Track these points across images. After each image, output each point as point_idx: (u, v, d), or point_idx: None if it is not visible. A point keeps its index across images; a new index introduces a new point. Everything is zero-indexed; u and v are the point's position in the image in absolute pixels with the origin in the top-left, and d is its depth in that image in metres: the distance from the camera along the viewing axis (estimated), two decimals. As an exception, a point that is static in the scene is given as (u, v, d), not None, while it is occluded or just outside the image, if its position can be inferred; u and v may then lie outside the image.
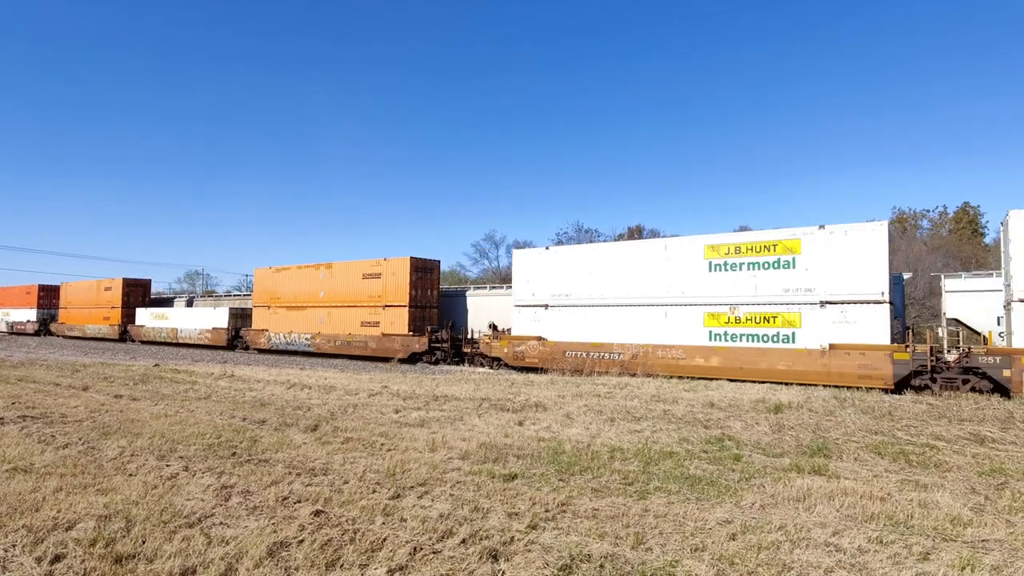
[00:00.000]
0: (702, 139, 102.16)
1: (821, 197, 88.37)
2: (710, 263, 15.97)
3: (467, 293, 25.29)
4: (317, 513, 4.83)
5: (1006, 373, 12.58)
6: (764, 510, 5.13)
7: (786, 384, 14.09)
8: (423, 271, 23.41)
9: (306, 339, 25.75)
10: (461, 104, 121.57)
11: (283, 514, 4.84)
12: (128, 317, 36.81)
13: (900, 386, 13.54)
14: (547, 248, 19.25)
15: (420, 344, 22.24)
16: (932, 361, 13.29)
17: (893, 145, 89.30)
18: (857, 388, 13.46)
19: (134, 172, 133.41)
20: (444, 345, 22.24)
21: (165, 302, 40.57)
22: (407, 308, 22.64)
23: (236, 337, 29.58)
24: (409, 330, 22.62)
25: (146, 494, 5.33)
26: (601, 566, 3.88)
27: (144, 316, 35.33)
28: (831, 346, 14.12)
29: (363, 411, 10.34)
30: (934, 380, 13.43)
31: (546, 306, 18.75)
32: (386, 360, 22.54)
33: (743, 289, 15.41)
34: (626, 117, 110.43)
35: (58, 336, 42.53)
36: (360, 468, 6.36)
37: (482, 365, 20.91)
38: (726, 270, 15.71)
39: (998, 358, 12.70)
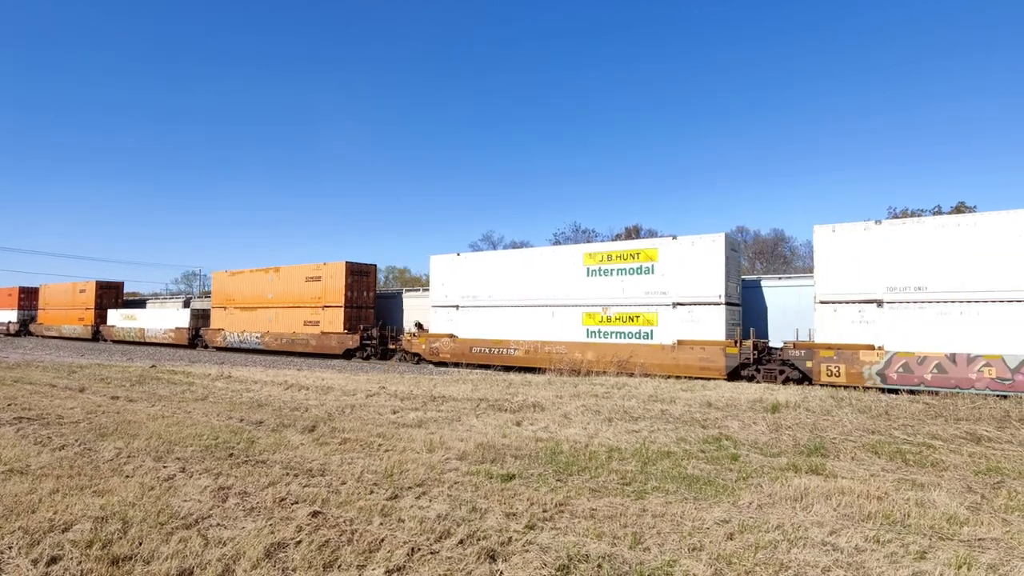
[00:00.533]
0: (700, 139, 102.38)
1: (818, 197, 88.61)
2: (588, 269, 18.19)
3: (403, 294, 27.18)
4: (315, 514, 4.83)
5: (809, 364, 14.64)
6: (761, 509, 5.14)
7: (646, 376, 16.26)
8: (359, 274, 25.38)
9: (256, 337, 27.85)
10: (460, 104, 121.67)
11: (280, 515, 4.84)
12: (101, 318, 38.65)
13: (732, 376, 15.66)
14: (459, 255, 21.20)
15: (353, 341, 24.22)
16: (755, 355, 15.47)
17: (889, 144, 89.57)
18: (700, 378, 15.70)
19: (134, 173, 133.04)
20: (373, 342, 24.28)
21: (137, 303, 42.49)
22: (343, 308, 24.62)
23: (196, 336, 31.47)
24: (344, 328, 24.49)
25: (143, 495, 5.32)
26: (599, 566, 3.88)
27: (115, 317, 37.25)
28: (679, 342, 16.35)
29: (361, 412, 10.33)
30: (758, 370, 15.51)
31: (457, 307, 20.85)
32: (325, 356, 25.04)
33: (613, 292, 17.65)
34: (624, 117, 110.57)
35: (37, 336, 43.92)
36: (358, 469, 6.36)
37: (405, 360, 22.89)
38: (600, 275, 17.92)
39: (803, 351, 14.79)
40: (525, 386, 13.97)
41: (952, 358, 12.91)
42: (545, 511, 5.01)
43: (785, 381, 14.96)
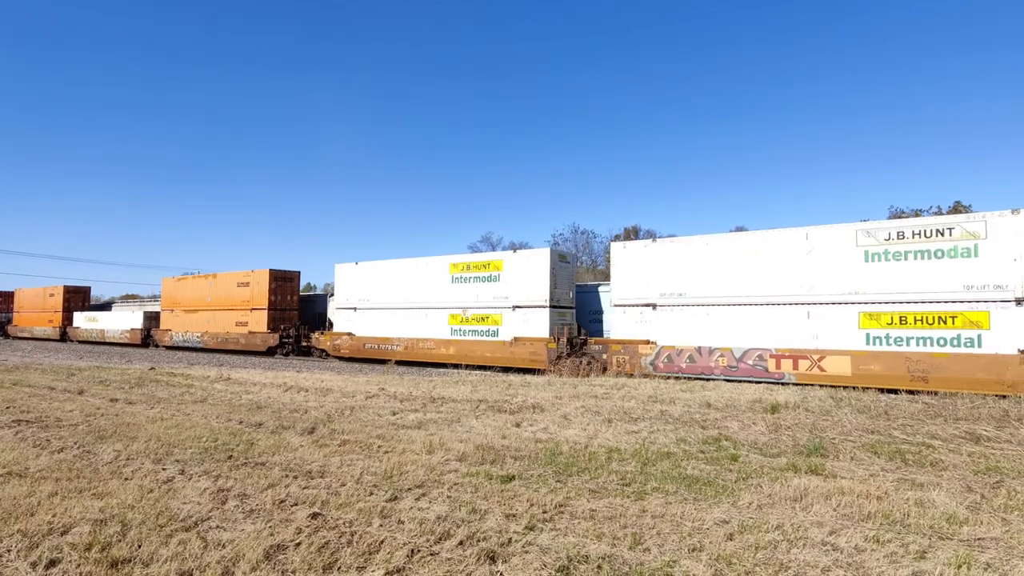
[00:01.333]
0: (700, 139, 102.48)
1: (817, 197, 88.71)
2: (452, 277, 21.18)
3: (327, 297, 29.48)
4: (314, 516, 4.82)
5: (604, 356, 17.67)
6: (761, 510, 5.14)
7: (492, 368, 19.67)
8: (283, 280, 28.78)
9: (197, 337, 31.35)
10: (459, 105, 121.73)
11: (280, 517, 4.83)
12: (68, 320, 42.08)
13: (553, 364, 18.36)
14: (356, 263, 24.16)
15: (274, 340, 27.49)
16: (568, 348, 18.54)
17: (890, 144, 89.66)
18: (530, 369, 18.76)
19: (135, 174, 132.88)
20: (290, 340, 27.67)
21: (103, 307, 46.01)
22: (267, 311, 27.93)
23: (148, 336, 35.01)
24: (268, 328, 27.80)
25: (142, 498, 5.31)
26: (599, 567, 3.88)
27: (80, 319, 40.77)
28: (515, 338, 19.37)
29: (360, 413, 10.33)
30: (571, 361, 18.52)
31: (355, 309, 23.94)
32: (253, 353, 28.38)
33: (471, 297, 20.68)
34: (623, 117, 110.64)
35: (12, 337, 47.32)
36: (357, 470, 6.35)
37: (312, 356, 26.02)
38: (462, 283, 21.01)
39: (601, 346, 17.96)
40: (524, 387, 13.97)
41: (699, 350, 16.02)
42: (545, 512, 5.01)
43: (589, 371, 17.83)
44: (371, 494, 5.49)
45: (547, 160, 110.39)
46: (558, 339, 18.66)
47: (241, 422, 9.34)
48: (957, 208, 53.07)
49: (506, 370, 19.35)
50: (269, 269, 27.87)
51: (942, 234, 13.38)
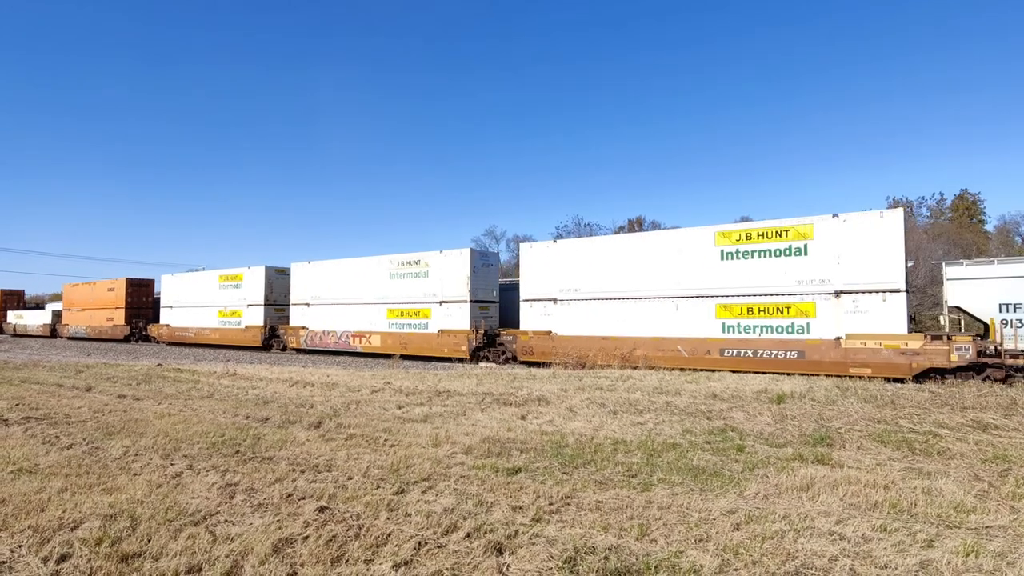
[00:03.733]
0: (704, 130, 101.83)
1: (822, 186, 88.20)
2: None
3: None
4: (321, 509, 4.85)
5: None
6: (768, 500, 5.13)
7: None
8: (139, 286, 36.86)
9: (83, 329, 39.61)
10: (462, 99, 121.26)
11: (288, 511, 4.86)
12: (3, 317, 51.21)
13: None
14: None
15: (126, 331, 35.49)
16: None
17: (892, 134, 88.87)
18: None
19: (136, 173, 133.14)
20: (139, 331, 35.37)
21: (39, 306, 53.99)
22: (124, 309, 36.01)
23: (54, 329, 43.52)
24: (125, 322, 35.94)
25: (151, 493, 5.35)
26: (606, 558, 3.88)
27: (12, 316, 50.18)
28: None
29: (366, 407, 10.36)
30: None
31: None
32: (116, 341, 36.37)
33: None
34: (627, 109, 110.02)
35: None
36: (364, 464, 6.37)
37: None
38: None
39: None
40: (530, 380, 13.99)
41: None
42: (551, 504, 5.02)
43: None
44: (378, 487, 5.51)
45: (549, 153, 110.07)
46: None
47: (248, 417, 9.38)
48: (963, 196, 52.72)
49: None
50: (126, 278, 36.45)
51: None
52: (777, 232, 16.65)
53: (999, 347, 13.26)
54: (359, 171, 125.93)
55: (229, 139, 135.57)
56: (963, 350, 13.14)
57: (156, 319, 35.11)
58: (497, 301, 22.29)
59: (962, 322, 17.16)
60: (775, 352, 15.17)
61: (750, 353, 15.46)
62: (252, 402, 11.11)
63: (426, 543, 4.15)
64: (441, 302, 21.55)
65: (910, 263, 18.24)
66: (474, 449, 7.04)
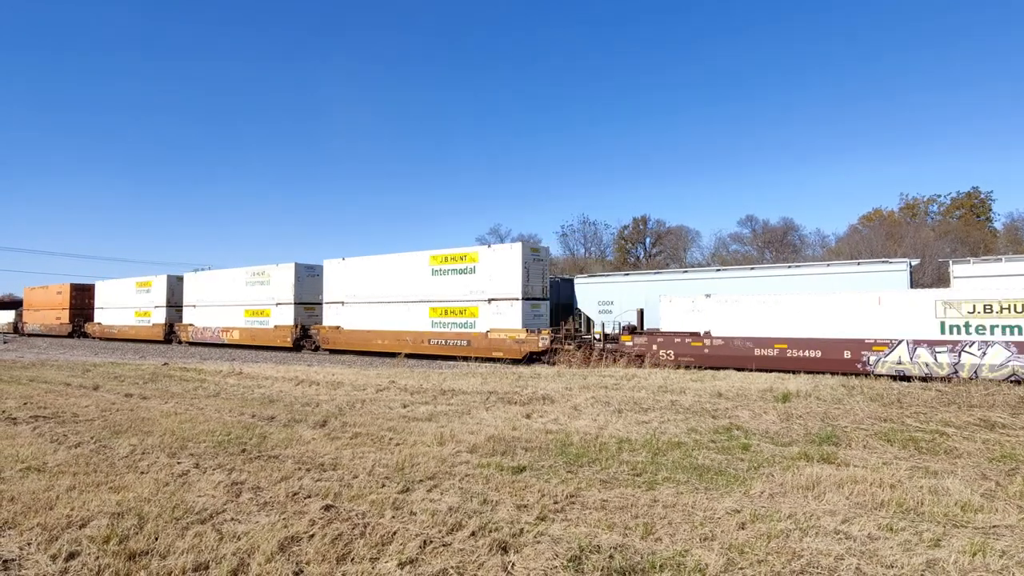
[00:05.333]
0: (710, 128, 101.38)
1: (828, 185, 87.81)
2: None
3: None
4: (327, 508, 4.87)
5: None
6: (773, 499, 5.12)
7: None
8: (82, 290, 42.86)
9: (39, 327, 45.17)
10: (466, 96, 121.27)
11: (293, 509, 4.88)
12: None
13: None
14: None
15: (69, 328, 41.80)
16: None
17: (903, 130, 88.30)
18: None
19: (138, 172, 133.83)
20: (80, 327, 41.74)
21: (13, 305, 58.68)
22: (68, 310, 42.58)
23: (16, 327, 49.14)
24: (68, 321, 42.27)
25: (158, 491, 5.38)
26: (610, 557, 3.89)
27: None
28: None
29: (371, 406, 10.39)
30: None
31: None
32: (58, 336, 42.62)
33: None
34: (631, 108, 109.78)
35: None
36: (369, 463, 6.40)
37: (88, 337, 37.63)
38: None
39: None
40: (534, 379, 14.00)
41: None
42: (556, 503, 5.03)
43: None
44: (383, 486, 5.53)
45: (554, 150, 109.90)
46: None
47: (254, 416, 9.43)
48: (972, 195, 52.30)
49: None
50: (71, 283, 43.03)
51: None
52: (460, 257, 22.67)
53: (578, 332, 20.52)
54: (362, 169, 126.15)
55: (229, 139, 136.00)
56: (544, 339, 19.42)
57: (92, 319, 41.66)
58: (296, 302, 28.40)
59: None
60: (457, 341, 21.57)
61: (444, 342, 21.94)
62: (258, 401, 11.16)
63: (431, 541, 4.17)
64: (278, 303, 28.22)
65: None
66: (479, 448, 7.05)
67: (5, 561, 3.96)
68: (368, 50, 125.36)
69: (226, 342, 30.05)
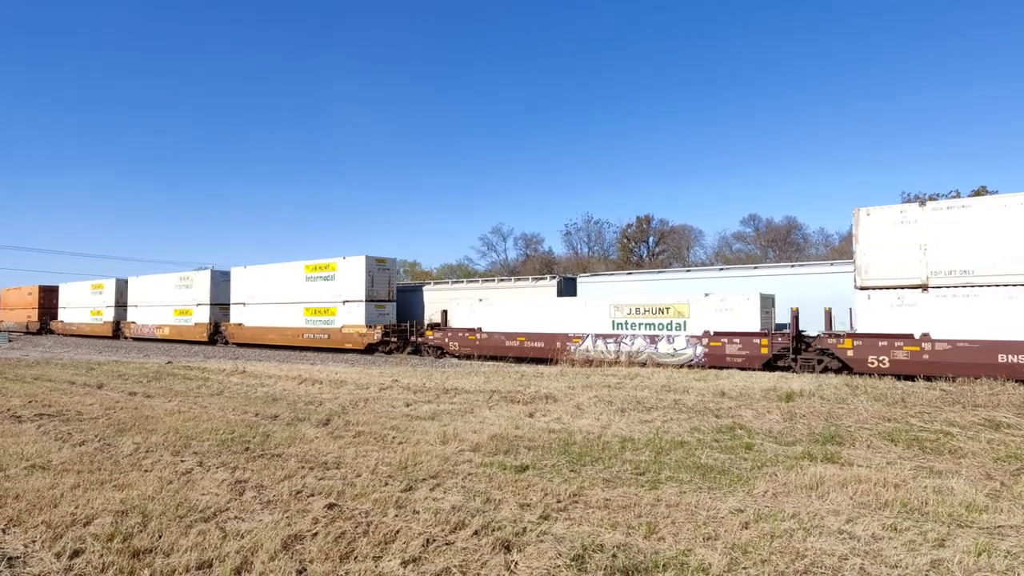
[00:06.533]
0: (714, 127, 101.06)
1: (831, 182, 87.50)
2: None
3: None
4: (330, 506, 4.88)
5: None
6: (776, 498, 5.11)
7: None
8: (49, 292, 46.62)
9: (13, 325, 49.54)
10: (467, 96, 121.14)
11: (297, 508, 4.89)
12: None
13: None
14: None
15: (37, 326, 46.19)
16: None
17: (906, 128, 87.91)
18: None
19: (140, 172, 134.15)
20: (44, 325, 46.13)
21: None
22: (36, 310, 46.68)
23: None
24: (36, 319, 46.82)
25: (162, 489, 5.40)
26: (613, 556, 3.88)
27: None
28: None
29: (374, 405, 10.41)
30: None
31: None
32: (28, 333, 46.58)
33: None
34: (634, 107, 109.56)
35: None
36: (372, 461, 6.41)
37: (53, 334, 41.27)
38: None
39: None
40: (537, 377, 13.99)
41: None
42: (559, 502, 5.02)
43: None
44: (386, 485, 5.54)
45: (557, 147, 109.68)
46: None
47: (257, 414, 9.45)
48: (979, 192, 52.03)
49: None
50: (39, 285, 46.83)
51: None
52: (325, 266, 26.57)
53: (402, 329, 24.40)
54: (364, 168, 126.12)
55: (228, 137, 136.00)
56: (378, 333, 23.61)
57: (57, 317, 45.30)
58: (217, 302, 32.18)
59: None
60: (322, 335, 25.94)
61: (314, 336, 26.34)
62: (261, 400, 11.18)
63: (434, 540, 4.17)
64: (211, 305, 31.91)
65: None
66: (482, 447, 7.05)
67: (10, 558, 3.98)
68: (369, 50, 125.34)
69: (159, 337, 34.35)
